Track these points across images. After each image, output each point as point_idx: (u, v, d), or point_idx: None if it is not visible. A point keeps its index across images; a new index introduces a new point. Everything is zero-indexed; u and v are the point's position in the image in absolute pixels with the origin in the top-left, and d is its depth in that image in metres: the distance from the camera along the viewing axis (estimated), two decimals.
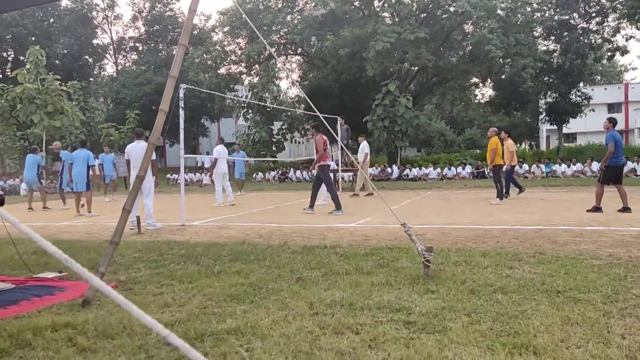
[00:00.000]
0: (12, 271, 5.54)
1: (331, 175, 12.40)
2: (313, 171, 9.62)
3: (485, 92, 40.25)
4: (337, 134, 17.36)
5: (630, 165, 20.43)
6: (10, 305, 4.08)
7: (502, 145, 12.91)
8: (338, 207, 10.53)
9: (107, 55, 44.89)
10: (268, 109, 29.42)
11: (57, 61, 38.97)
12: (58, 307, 4.07)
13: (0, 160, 30.39)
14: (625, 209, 9.24)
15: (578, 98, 30.03)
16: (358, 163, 14.42)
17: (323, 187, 11.70)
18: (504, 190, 12.52)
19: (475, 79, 31.71)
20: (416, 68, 29.58)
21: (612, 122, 9.53)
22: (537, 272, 4.74)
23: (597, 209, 9.40)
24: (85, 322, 3.61)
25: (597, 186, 9.52)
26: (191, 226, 9.38)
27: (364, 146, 15.40)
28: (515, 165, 13.60)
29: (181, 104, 9.56)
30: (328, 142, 10.80)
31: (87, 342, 3.23)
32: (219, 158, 13.73)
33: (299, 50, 31.42)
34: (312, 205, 10.89)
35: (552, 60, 29.20)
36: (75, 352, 3.10)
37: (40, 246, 1.75)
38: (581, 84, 31.28)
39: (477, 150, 36.85)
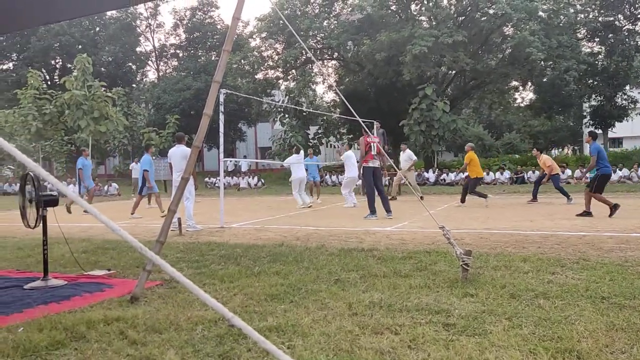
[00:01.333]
0: (64, 268, 5.81)
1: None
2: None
3: (525, 96, 39.59)
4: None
5: (624, 173, 21.26)
6: (64, 300, 4.29)
7: (539, 160, 13.94)
8: (372, 211, 10.44)
9: (149, 62, 46.17)
10: (304, 114, 29.59)
11: (102, 68, 40.36)
12: (108, 302, 4.25)
13: (48, 164, 31.64)
14: (587, 214, 9.90)
15: (624, 101, 29.33)
16: (400, 170, 14.68)
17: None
18: (533, 197, 13.53)
19: (515, 82, 31.00)
20: (454, 72, 29.21)
21: (592, 135, 10.20)
22: (580, 278, 4.67)
23: (587, 213, 9.90)
24: (134, 317, 3.77)
25: (586, 193, 10.07)
26: (230, 228, 9.54)
27: (410, 154, 15.66)
28: (557, 174, 13.76)
29: (221, 108, 9.77)
30: (374, 143, 10.70)
31: (137, 336, 3.36)
32: (293, 164, 14.09)
33: (335, 55, 31.52)
34: (372, 212, 10.55)
35: (596, 62, 28.49)
36: (126, 344, 3.24)
37: (94, 245, 1.88)
38: (627, 87, 30.38)
39: (516, 155, 36.11)
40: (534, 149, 14.94)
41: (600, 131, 31.92)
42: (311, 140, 30.59)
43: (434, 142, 24.86)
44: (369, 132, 10.13)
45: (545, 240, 7.05)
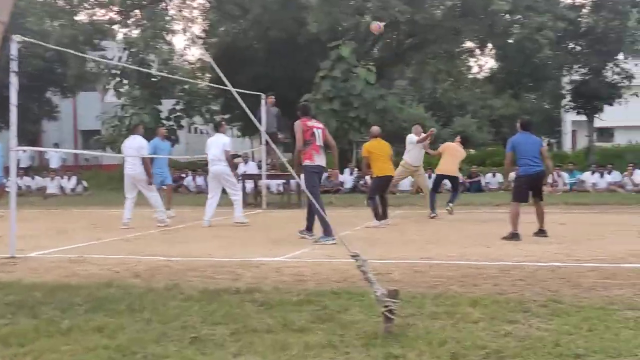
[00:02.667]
0: None
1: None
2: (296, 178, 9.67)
3: (483, 64, 41.27)
4: (259, 120, 17.54)
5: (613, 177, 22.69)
6: None
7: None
8: (326, 232, 10.45)
9: None
10: (154, 80, 29.07)
11: None
12: None
13: None
14: (540, 232, 11.08)
15: (616, 76, 30.92)
16: (411, 167, 15.81)
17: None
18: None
19: (469, 43, 32.07)
20: (382, 24, 29.95)
21: (523, 123, 11.42)
22: (549, 328, 4.96)
23: (513, 235, 10.70)
24: None
25: (511, 205, 11.14)
26: (26, 259, 9.25)
27: (411, 138, 15.92)
28: (445, 176, 15.84)
29: (13, 66, 9.31)
30: (318, 129, 11.16)
31: None
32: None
33: None
34: (309, 228, 11.07)
35: (579, 20, 29.88)
36: None
37: None
38: (620, 56, 32.37)
39: (471, 150, 37.86)
40: (458, 136, 16.57)
41: (583, 118, 34.06)
42: (164, 121, 29.91)
43: (351, 128, 25.02)
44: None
45: (505, 274, 7.42)
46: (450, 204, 15.62)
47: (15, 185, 10.42)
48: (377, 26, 17.36)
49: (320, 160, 11.02)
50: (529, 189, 11.04)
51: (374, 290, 4.98)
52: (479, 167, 26.58)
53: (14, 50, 9.36)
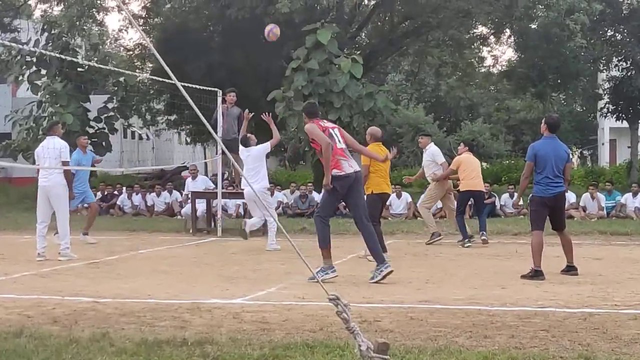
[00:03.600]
0: None
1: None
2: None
3: (500, 54, 41.23)
4: (215, 123, 17.62)
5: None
6: None
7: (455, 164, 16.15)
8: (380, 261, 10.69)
9: None
10: (80, 70, 28.89)
11: None
12: None
13: None
14: (569, 269, 11.13)
15: None
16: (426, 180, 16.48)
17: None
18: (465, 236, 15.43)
19: (481, 29, 32.38)
20: (373, 2, 30.01)
21: (551, 124, 11.56)
22: None
23: (536, 272, 10.74)
24: None
25: (533, 235, 11.13)
26: None
27: (434, 152, 16.31)
28: (472, 192, 16.16)
29: None
30: (334, 129, 11.29)
31: None
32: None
33: None
34: (377, 252, 11.01)
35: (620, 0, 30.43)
36: None
37: None
38: None
39: (484, 164, 38.12)
40: (461, 144, 17.06)
41: (625, 125, 34.17)
42: (93, 123, 29.90)
43: None
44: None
45: (525, 323, 7.44)
46: (485, 232, 16.04)
47: None
48: (272, 33, 17.44)
49: (350, 166, 10.79)
50: (546, 214, 11.10)
51: (358, 342, 4.96)
52: (493, 186, 26.56)
53: None
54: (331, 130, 11.03)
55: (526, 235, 14.38)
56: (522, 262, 11.78)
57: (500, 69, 38.66)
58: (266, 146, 15.44)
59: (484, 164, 38.21)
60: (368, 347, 4.91)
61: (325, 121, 11.63)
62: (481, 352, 6.07)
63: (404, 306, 8.43)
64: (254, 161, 15.07)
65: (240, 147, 15.45)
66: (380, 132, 14.08)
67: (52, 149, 13.82)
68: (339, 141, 10.92)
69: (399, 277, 10.87)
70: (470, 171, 15.94)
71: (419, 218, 22.34)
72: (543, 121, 11.69)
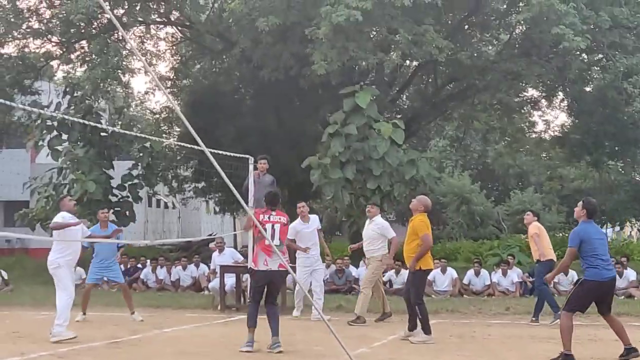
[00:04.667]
0: None
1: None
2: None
3: (552, 119, 40.67)
4: (245, 193, 17.76)
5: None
6: None
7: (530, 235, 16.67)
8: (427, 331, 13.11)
9: None
10: (104, 135, 28.93)
11: None
12: None
13: None
14: (630, 352, 11.19)
15: None
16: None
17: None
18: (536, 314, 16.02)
19: (532, 91, 32.05)
20: (414, 64, 29.64)
21: (590, 209, 11.72)
22: None
23: (566, 357, 11.04)
24: None
25: (563, 316, 11.50)
26: None
27: (383, 225, 16.50)
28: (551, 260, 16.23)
29: None
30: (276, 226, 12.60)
31: None
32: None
33: (175, 15, 31.29)
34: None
35: None
36: None
37: None
38: None
39: None
40: (528, 213, 17.13)
41: None
42: (117, 191, 29.84)
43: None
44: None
45: None
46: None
47: None
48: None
49: (265, 264, 12.34)
50: (595, 299, 11.33)
51: None
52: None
53: None
54: (268, 226, 12.50)
55: (580, 316, 13.52)
56: (577, 345, 11.47)
57: (552, 134, 38.28)
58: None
59: None
60: None
61: (273, 214, 12.67)
62: None
63: None
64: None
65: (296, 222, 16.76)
66: (428, 202, 14.12)
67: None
68: (273, 237, 12.34)
69: None
70: (545, 236, 16.58)
71: (465, 296, 21.91)
72: (581, 205, 11.77)
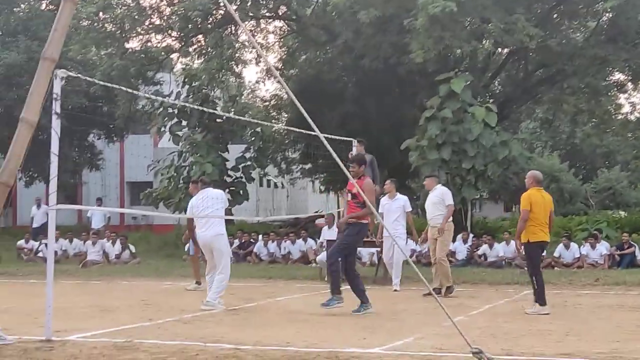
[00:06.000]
0: None
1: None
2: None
3: (638, 101, 40.37)
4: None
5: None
6: None
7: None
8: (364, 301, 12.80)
9: None
10: (219, 121, 29.50)
11: None
12: None
13: None
14: None
15: None
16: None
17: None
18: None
19: (618, 75, 31.59)
20: (506, 51, 29.60)
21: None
22: None
23: None
24: None
25: None
26: (64, 343, 9.32)
27: (444, 193, 16.42)
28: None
29: (56, 106, 9.45)
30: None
31: None
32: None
33: (282, 10, 31.63)
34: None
35: None
36: None
37: None
38: None
39: (621, 213, 37.01)
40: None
41: None
42: (232, 172, 30.44)
43: (466, 184, 24.91)
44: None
45: None
46: None
47: (52, 250, 10.53)
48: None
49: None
50: None
51: None
52: (632, 235, 25.87)
53: (57, 87, 9.28)
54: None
55: None
56: None
57: (638, 116, 37.75)
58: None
59: (622, 212, 37.21)
60: None
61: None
62: None
63: (545, 359, 8.23)
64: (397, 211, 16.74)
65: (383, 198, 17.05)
66: (539, 176, 13.56)
67: (211, 199, 14.09)
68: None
69: (539, 329, 10.69)
70: None
71: (555, 268, 22.00)
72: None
